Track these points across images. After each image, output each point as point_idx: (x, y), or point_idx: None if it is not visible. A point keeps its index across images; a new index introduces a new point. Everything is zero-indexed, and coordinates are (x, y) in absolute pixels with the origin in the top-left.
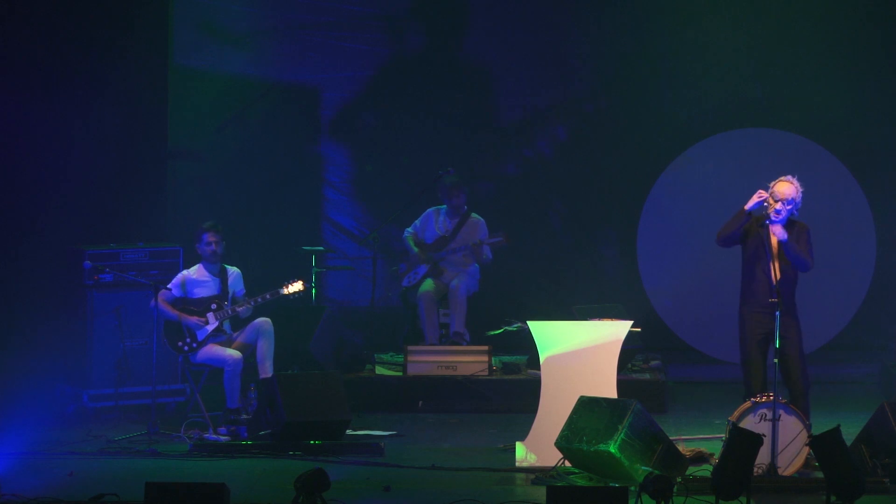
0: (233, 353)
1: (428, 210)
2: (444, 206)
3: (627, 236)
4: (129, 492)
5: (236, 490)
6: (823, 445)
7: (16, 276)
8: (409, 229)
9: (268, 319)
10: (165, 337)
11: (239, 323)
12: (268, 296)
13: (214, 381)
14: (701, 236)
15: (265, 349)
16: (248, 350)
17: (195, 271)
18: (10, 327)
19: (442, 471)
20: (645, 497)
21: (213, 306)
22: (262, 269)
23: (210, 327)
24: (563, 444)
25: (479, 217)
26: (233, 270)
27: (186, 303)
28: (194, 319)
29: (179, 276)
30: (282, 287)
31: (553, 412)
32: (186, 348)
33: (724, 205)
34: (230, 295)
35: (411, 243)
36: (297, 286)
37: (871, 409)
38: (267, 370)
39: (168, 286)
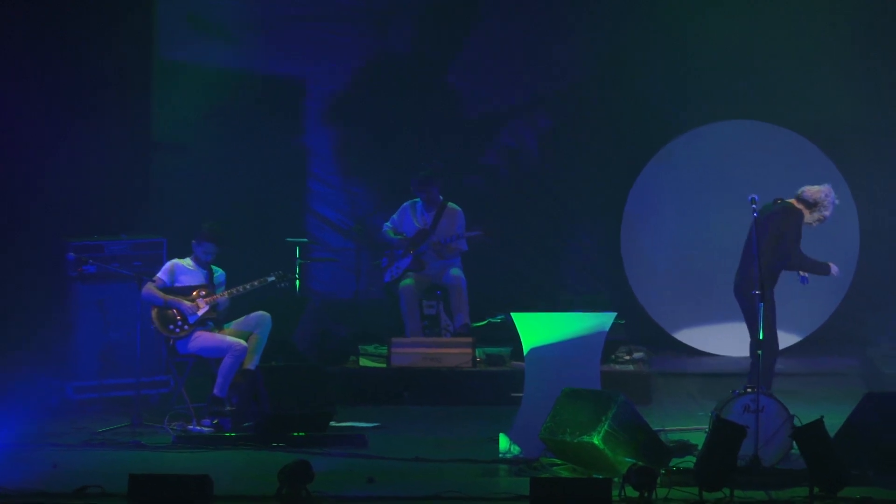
0: (237, 339)
1: (404, 204)
2: (419, 198)
3: (611, 227)
4: (113, 484)
5: (220, 482)
6: (807, 437)
7: None
8: (388, 224)
9: (269, 314)
10: (157, 321)
11: (230, 315)
12: (248, 286)
13: (198, 373)
14: (685, 227)
15: (256, 342)
16: (246, 338)
17: (185, 261)
18: None
19: (426, 462)
20: (628, 488)
21: (203, 293)
22: (247, 260)
23: (201, 312)
24: (546, 435)
25: (456, 206)
26: (219, 271)
27: (174, 291)
28: (185, 304)
29: (169, 263)
30: (257, 279)
31: (537, 404)
32: (178, 331)
33: (708, 196)
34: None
35: (392, 235)
36: (272, 277)
37: (854, 400)
38: (253, 362)
39: (153, 278)
